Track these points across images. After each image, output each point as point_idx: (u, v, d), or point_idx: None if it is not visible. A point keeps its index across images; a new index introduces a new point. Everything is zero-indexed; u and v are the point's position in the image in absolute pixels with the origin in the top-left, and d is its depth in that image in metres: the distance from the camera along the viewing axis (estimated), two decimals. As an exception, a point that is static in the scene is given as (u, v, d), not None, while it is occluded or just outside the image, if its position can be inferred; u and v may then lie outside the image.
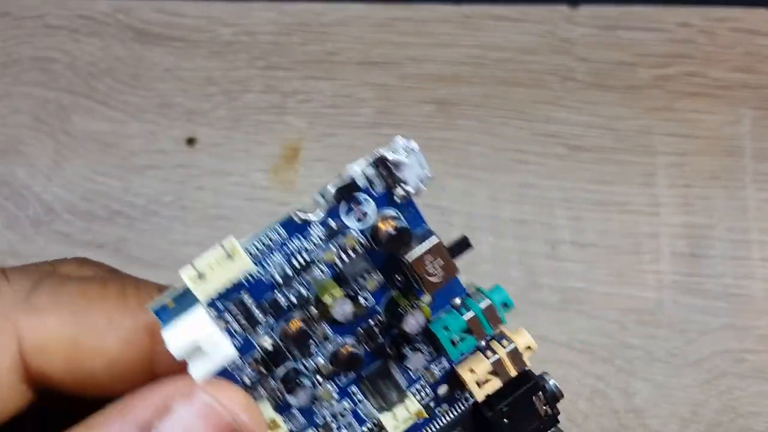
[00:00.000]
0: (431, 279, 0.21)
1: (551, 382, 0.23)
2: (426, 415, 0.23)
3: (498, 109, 0.48)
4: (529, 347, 0.23)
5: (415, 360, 0.22)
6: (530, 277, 0.44)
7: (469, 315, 0.22)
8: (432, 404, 0.24)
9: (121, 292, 0.22)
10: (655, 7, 0.49)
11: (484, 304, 0.22)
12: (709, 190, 0.45)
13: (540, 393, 0.23)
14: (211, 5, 0.53)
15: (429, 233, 0.21)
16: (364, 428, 0.23)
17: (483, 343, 0.23)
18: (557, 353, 0.42)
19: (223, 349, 0.19)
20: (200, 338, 0.19)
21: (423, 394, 0.23)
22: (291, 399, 0.21)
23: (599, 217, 0.45)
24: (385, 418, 0.23)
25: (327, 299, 0.20)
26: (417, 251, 0.21)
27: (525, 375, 0.23)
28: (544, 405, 0.23)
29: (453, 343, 0.22)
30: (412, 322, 0.21)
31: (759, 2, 0.49)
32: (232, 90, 0.51)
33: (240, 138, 0.49)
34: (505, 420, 0.23)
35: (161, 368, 0.21)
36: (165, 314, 0.19)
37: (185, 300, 0.20)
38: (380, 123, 0.49)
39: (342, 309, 0.21)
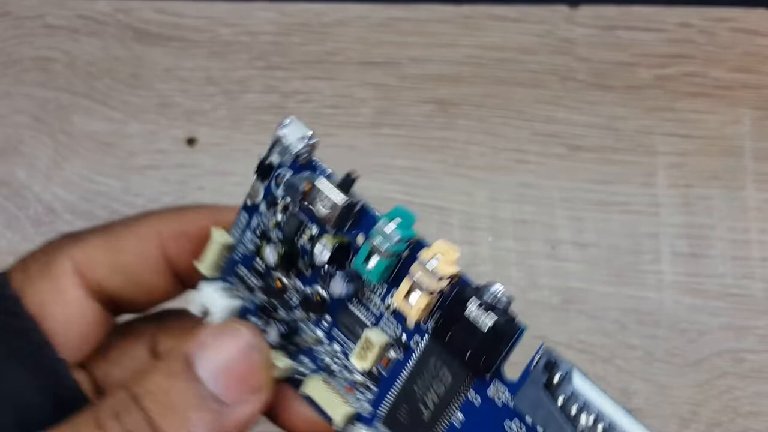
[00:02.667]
0: (316, 210, 0.25)
1: (492, 288, 0.22)
2: (384, 339, 0.24)
3: (498, 109, 0.48)
4: (436, 253, 0.23)
5: (335, 285, 0.25)
6: (530, 277, 0.44)
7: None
8: (405, 338, 0.24)
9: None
10: (655, 7, 0.49)
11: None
12: (710, 190, 0.45)
13: (474, 299, 0.22)
14: (211, 5, 0.53)
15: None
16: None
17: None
18: (557, 353, 0.42)
19: (221, 304, 0.27)
20: (206, 301, 0.28)
21: (393, 329, 0.25)
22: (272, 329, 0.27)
23: (599, 217, 0.45)
24: (352, 357, 0.25)
25: (262, 249, 0.27)
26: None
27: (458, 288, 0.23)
28: (489, 312, 0.22)
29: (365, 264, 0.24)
30: (319, 249, 0.25)
31: (759, 2, 0.49)
32: (232, 90, 0.51)
33: (240, 138, 0.50)
34: (440, 338, 0.22)
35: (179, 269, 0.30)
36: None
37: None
38: (380, 123, 0.49)
39: (270, 254, 0.26)
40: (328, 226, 0.25)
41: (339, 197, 0.25)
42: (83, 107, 0.51)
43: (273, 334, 0.27)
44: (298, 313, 0.27)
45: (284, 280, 0.27)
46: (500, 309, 0.22)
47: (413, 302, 0.23)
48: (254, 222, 0.27)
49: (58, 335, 0.28)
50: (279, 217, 0.27)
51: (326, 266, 0.25)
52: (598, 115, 0.48)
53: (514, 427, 0.22)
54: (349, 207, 0.25)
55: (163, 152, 0.50)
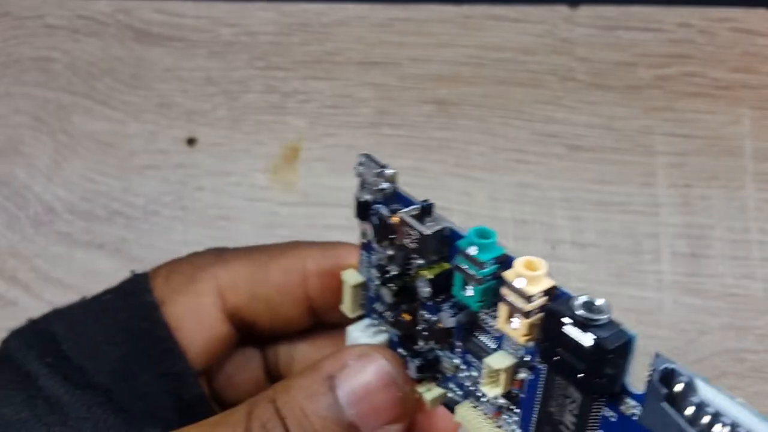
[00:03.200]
0: (403, 239, 0.25)
1: (586, 300, 0.20)
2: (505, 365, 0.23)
3: (498, 109, 0.48)
4: (518, 273, 0.22)
5: (444, 317, 0.25)
6: (530, 277, 0.44)
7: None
8: (528, 358, 0.23)
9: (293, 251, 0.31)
10: (655, 7, 0.49)
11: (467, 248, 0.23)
12: (709, 190, 0.45)
13: (569, 317, 0.20)
14: (211, 5, 0.53)
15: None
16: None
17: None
18: (557, 353, 0.42)
19: (361, 339, 0.28)
20: (353, 336, 0.28)
21: (515, 350, 0.23)
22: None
23: (599, 217, 0.45)
24: (482, 386, 0.24)
25: (379, 289, 0.26)
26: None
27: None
28: (587, 329, 0.20)
29: (465, 291, 0.23)
30: (420, 284, 0.24)
31: (759, 2, 0.49)
32: (232, 90, 0.51)
33: (240, 138, 0.50)
34: (550, 360, 0.21)
35: (315, 303, 0.30)
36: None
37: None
38: (380, 123, 0.49)
39: (386, 294, 0.26)
40: (423, 258, 0.24)
41: (424, 228, 0.24)
42: (83, 107, 0.51)
43: (417, 363, 0.26)
44: (433, 343, 0.26)
45: (412, 312, 0.26)
46: (600, 322, 0.20)
47: (515, 326, 0.22)
48: (373, 259, 0.27)
49: (189, 348, 0.29)
50: (390, 251, 0.26)
51: (434, 298, 0.24)
52: (597, 115, 0.48)
53: None
54: (435, 235, 0.24)
55: (163, 152, 0.50)
